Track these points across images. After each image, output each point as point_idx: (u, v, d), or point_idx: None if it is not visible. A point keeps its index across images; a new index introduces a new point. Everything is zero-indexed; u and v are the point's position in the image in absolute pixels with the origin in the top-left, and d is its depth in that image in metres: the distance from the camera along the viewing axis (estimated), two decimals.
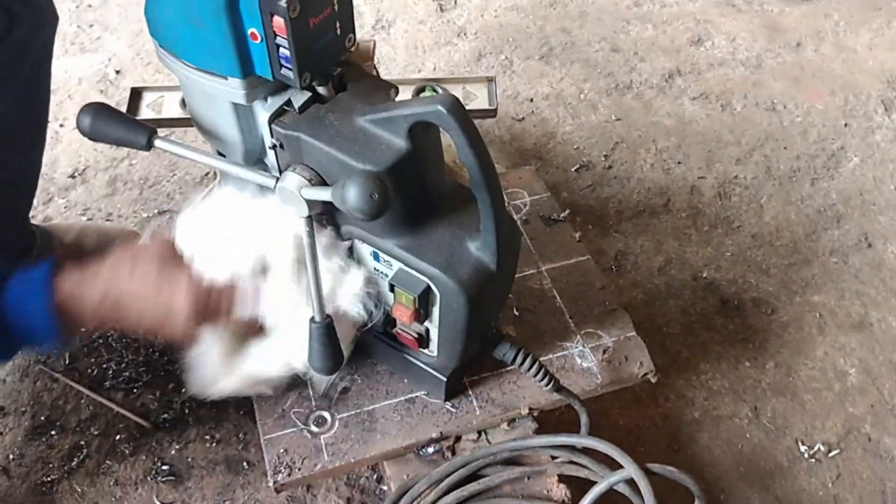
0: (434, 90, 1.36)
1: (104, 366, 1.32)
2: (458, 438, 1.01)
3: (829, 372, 1.34)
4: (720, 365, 1.34)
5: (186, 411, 1.28)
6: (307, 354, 0.87)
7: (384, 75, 1.82)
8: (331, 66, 0.76)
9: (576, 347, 1.06)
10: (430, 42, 1.92)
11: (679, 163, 1.66)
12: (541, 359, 1.04)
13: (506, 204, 0.76)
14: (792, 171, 1.65)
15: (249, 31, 0.68)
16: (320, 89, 0.77)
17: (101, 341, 1.35)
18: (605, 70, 1.86)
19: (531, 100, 1.79)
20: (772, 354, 1.35)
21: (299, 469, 0.95)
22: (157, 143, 0.77)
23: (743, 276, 1.47)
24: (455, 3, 2.02)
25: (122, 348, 1.34)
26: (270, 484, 0.94)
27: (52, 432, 1.26)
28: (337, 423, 0.98)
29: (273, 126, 0.75)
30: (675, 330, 1.39)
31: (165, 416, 1.27)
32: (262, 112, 0.75)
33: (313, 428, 0.98)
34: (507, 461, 0.98)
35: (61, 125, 1.69)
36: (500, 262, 0.79)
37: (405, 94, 1.35)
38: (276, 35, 0.67)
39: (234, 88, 0.73)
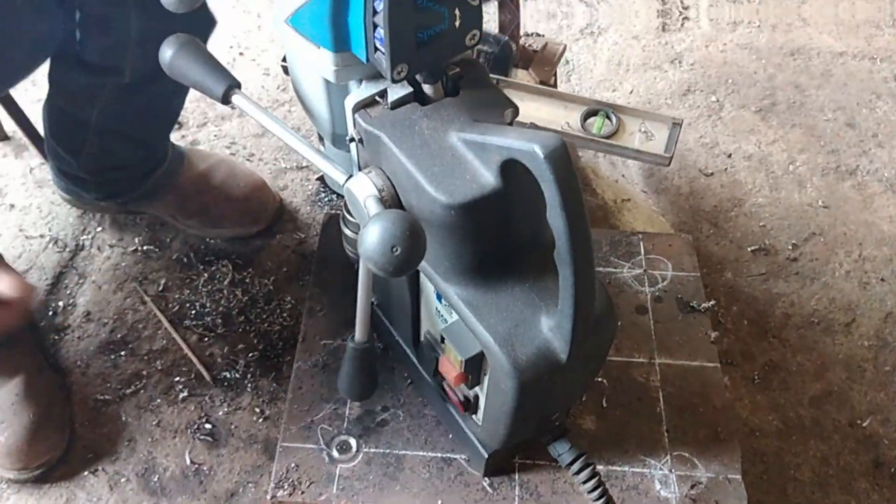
0: (607, 117, 1.18)
1: (188, 304, 1.29)
2: None
3: None
4: None
5: (248, 376, 1.22)
6: (338, 376, 0.76)
7: (568, 87, 1.65)
8: (442, 63, 0.62)
9: (660, 469, 0.86)
10: (638, 62, 1.72)
11: (883, 280, 1.36)
12: (615, 468, 0.86)
13: (595, 286, 0.58)
14: None
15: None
16: (426, 87, 0.63)
17: (195, 278, 1.32)
18: (831, 145, 1.56)
19: (729, 155, 1.54)
20: None
21: (302, 492, 0.84)
22: (235, 98, 0.67)
23: None
24: (682, 24, 1.80)
25: (211, 292, 1.30)
26: (268, 497, 0.84)
27: (122, 353, 1.25)
28: (361, 455, 0.86)
29: (357, 116, 0.63)
30: (805, 477, 1.12)
31: (226, 374, 1.22)
32: (350, 97, 0.63)
33: (334, 452, 0.86)
34: None
35: (241, 53, 1.69)
36: (574, 352, 0.62)
37: (576, 113, 1.18)
38: (374, 11, 0.54)
39: (325, 62, 0.62)
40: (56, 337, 1.27)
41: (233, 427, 1.17)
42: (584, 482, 0.74)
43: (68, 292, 1.33)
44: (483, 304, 0.64)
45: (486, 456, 0.79)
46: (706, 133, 1.57)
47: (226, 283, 1.31)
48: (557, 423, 0.75)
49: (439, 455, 0.86)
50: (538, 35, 1.36)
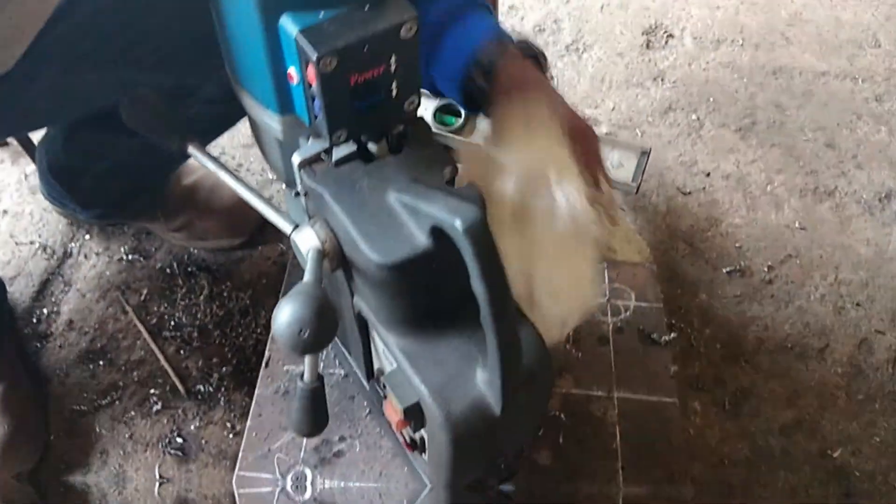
0: None
1: (167, 315, 1.31)
2: None
3: None
4: None
5: (222, 390, 1.24)
6: (288, 412, 0.78)
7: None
8: (380, 127, 0.63)
9: None
10: (621, 79, 1.72)
11: (858, 305, 1.36)
12: None
13: (519, 347, 0.60)
14: None
15: (288, 70, 0.57)
16: (371, 145, 0.64)
17: (175, 289, 1.34)
18: (810, 166, 1.56)
19: (708, 174, 1.54)
20: None
21: None
22: (191, 149, 0.68)
23: (886, 474, 1.17)
24: (666, 42, 1.79)
25: (189, 306, 1.32)
26: None
27: (101, 362, 1.27)
28: (315, 490, 0.88)
29: (301, 172, 0.64)
30: None
31: (200, 387, 1.24)
32: (296, 154, 0.64)
33: (288, 485, 0.88)
34: None
35: None
36: (508, 406, 0.63)
37: None
38: (309, 84, 0.55)
39: (274, 122, 0.63)
40: (38, 345, 1.29)
41: (203, 442, 1.19)
42: None
43: (53, 300, 1.35)
44: (420, 355, 0.65)
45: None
46: (685, 151, 1.57)
47: (203, 296, 1.32)
48: (503, 465, 0.76)
49: (392, 487, 0.88)
50: None
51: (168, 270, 1.37)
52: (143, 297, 1.34)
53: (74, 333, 1.30)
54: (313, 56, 0.52)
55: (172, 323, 1.30)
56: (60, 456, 1.18)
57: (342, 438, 0.91)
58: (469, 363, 0.65)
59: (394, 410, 0.70)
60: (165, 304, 1.32)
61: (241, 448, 0.91)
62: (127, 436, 1.19)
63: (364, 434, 0.92)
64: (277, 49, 0.56)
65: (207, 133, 1.17)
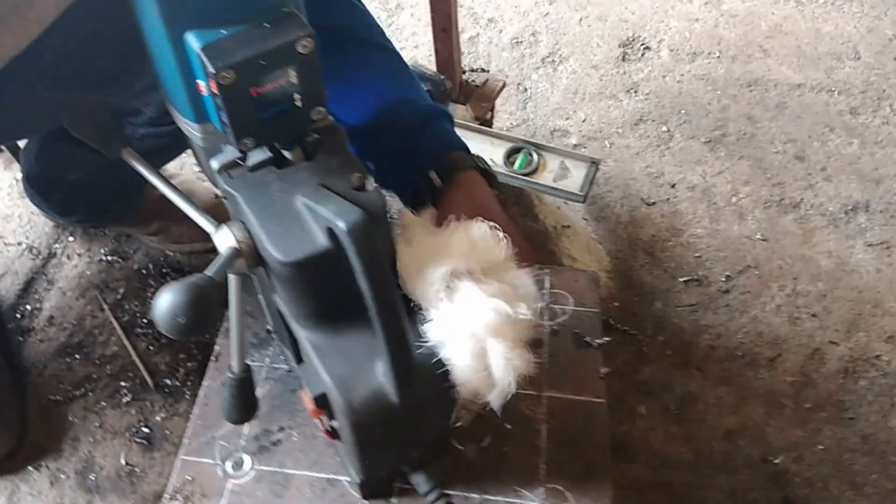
0: (530, 154, 1.23)
1: (141, 313, 1.37)
2: None
3: None
4: None
5: (188, 384, 1.30)
6: (222, 402, 0.83)
7: (523, 114, 1.70)
8: (289, 136, 0.68)
9: (532, 501, 0.91)
10: (594, 91, 1.76)
11: (814, 315, 1.38)
12: (489, 497, 0.91)
13: (408, 339, 0.64)
14: None
15: (198, 82, 0.62)
16: (286, 153, 0.69)
17: (150, 288, 1.40)
18: (777, 178, 1.59)
19: (673, 185, 1.58)
20: None
21: None
22: (125, 155, 0.74)
23: (826, 481, 1.19)
24: (643, 55, 1.83)
25: None
26: None
27: (77, 356, 1.33)
28: (252, 473, 0.93)
29: (219, 176, 0.69)
30: None
31: (168, 381, 1.30)
32: (214, 159, 0.69)
33: (228, 468, 0.93)
34: None
35: None
36: (405, 396, 0.67)
37: (500, 150, 1.24)
38: (214, 95, 0.61)
39: (194, 131, 0.69)
40: (21, 339, 1.36)
41: (168, 432, 1.25)
42: None
43: (36, 297, 1.42)
44: (327, 348, 0.70)
45: (359, 480, 0.85)
46: (653, 163, 1.61)
47: None
48: (416, 455, 0.80)
49: (325, 476, 0.93)
50: (482, 70, 1.42)
51: (144, 271, 1.43)
52: (119, 296, 1.40)
53: (54, 329, 1.37)
54: (212, 70, 0.58)
55: (145, 320, 1.36)
56: (35, 442, 1.24)
57: (281, 429, 0.96)
58: (371, 356, 0.69)
59: (308, 399, 0.75)
60: (139, 303, 1.39)
61: (186, 435, 0.96)
62: (97, 425, 1.26)
63: (302, 425, 0.97)
64: (187, 63, 0.62)
65: (162, 153, 1.23)
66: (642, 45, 1.85)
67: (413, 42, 1.88)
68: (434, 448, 0.88)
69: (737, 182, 1.58)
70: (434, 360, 0.69)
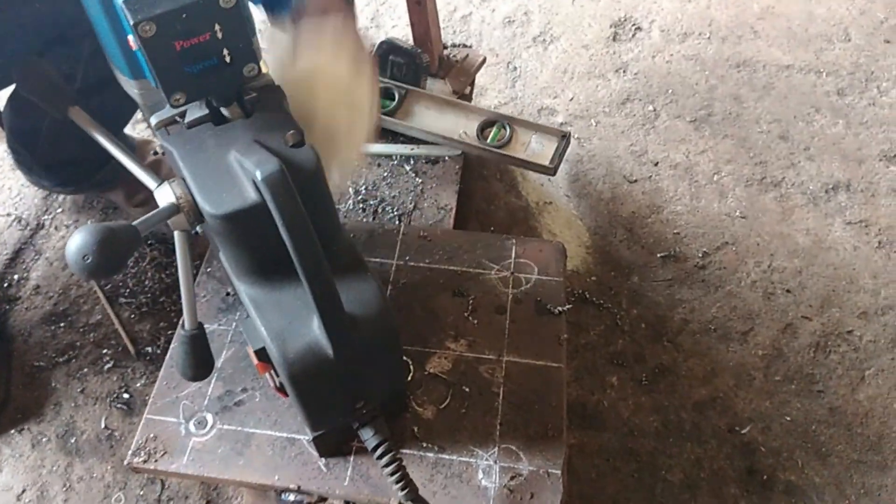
0: (503, 127, 1.24)
1: (124, 283, 1.40)
2: (323, 499, 0.93)
3: None
4: None
5: (168, 352, 1.32)
6: (175, 359, 0.85)
7: (512, 93, 1.71)
8: (223, 92, 0.70)
9: (486, 460, 0.93)
10: (583, 70, 1.76)
11: (788, 291, 1.39)
12: (444, 456, 0.93)
13: (333, 290, 0.66)
14: None
15: (128, 37, 0.64)
16: (224, 110, 0.71)
17: (134, 258, 1.43)
18: (760, 157, 1.59)
19: (656, 163, 1.58)
20: None
21: (156, 461, 0.93)
22: (71, 113, 0.76)
23: (792, 451, 1.20)
24: (633, 35, 1.83)
25: (144, 271, 1.41)
26: (125, 460, 0.94)
27: (62, 324, 1.36)
28: (214, 431, 0.95)
29: (157, 133, 0.71)
30: (676, 478, 1.18)
31: (149, 349, 1.33)
32: (154, 116, 0.72)
33: (191, 427, 0.96)
34: None
35: None
36: (340, 349, 0.69)
37: (474, 123, 1.25)
38: (140, 48, 0.62)
39: (131, 88, 0.71)
40: (7, 307, 1.40)
41: (147, 399, 1.27)
42: (385, 466, 0.82)
43: (24, 266, 1.45)
44: (265, 303, 0.72)
45: (311, 437, 0.88)
46: (637, 141, 1.61)
47: (155, 265, 1.41)
48: (365, 410, 0.82)
49: (285, 435, 0.95)
50: (464, 46, 1.43)
51: None
52: None
53: (40, 297, 1.40)
54: (132, 21, 0.59)
55: (127, 291, 1.39)
56: (18, 406, 1.28)
57: (244, 389, 0.99)
58: (308, 311, 0.71)
59: (252, 354, 0.77)
60: (123, 274, 1.42)
61: (152, 395, 0.99)
62: (79, 390, 1.29)
63: (265, 387, 0.99)
64: (116, 18, 0.63)
65: (118, 118, 1.26)
66: (634, 25, 1.85)
67: (406, 20, 1.88)
68: (391, 407, 0.89)
69: (720, 160, 1.59)
70: (374, 315, 0.71)
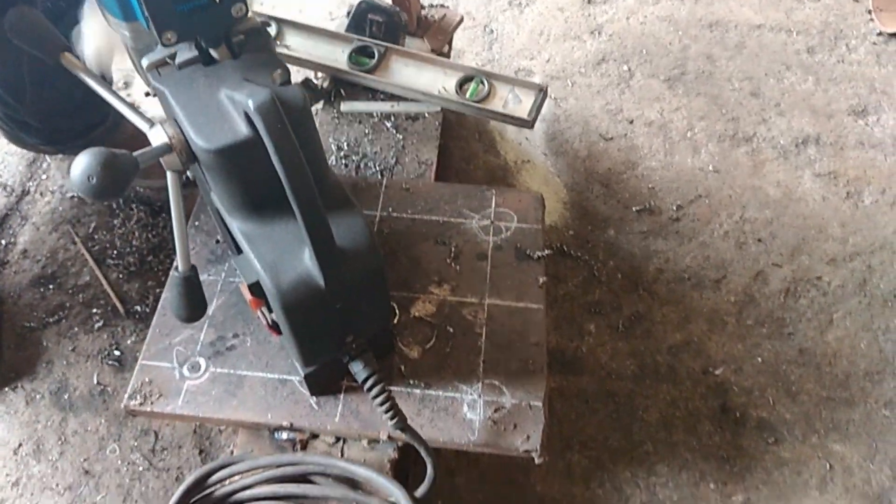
0: (481, 82, 1.27)
1: (111, 244, 1.42)
2: (315, 436, 0.97)
3: None
4: (680, 474, 1.17)
5: (157, 310, 1.35)
6: (169, 300, 0.88)
7: (489, 55, 1.74)
8: (212, 32, 0.72)
9: (470, 395, 0.97)
10: (559, 33, 1.79)
11: (760, 240, 1.44)
12: (430, 392, 0.97)
13: (324, 220, 0.69)
14: (893, 296, 1.37)
15: None
16: (212, 51, 0.74)
17: (120, 223, 1.45)
18: (732, 113, 1.63)
19: (631, 121, 1.62)
20: (746, 487, 1.16)
21: (152, 403, 0.96)
22: (63, 59, 0.78)
23: (763, 390, 1.26)
24: None
25: (131, 231, 1.43)
26: (122, 403, 0.97)
27: (50, 286, 1.38)
28: (207, 374, 0.99)
29: (148, 74, 0.74)
30: (652, 418, 1.23)
31: (138, 308, 1.35)
32: (145, 58, 0.74)
33: (185, 371, 0.99)
34: (342, 479, 0.93)
35: None
36: (330, 280, 0.73)
37: (452, 79, 1.27)
38: None
39: (122, 30, 0.73)
40: None
41: (138, 354, 1.29)
42: (375, 397, 0.86)
43: (11, 232, 1.47)
44: (258, 237, 0.75)
45: (302, 375, 0.91)
46: (612, 100, 1.65)
47: (141, 226, 1.43)
48: (354, 345, 0.86)
49: (276, 377, 0.98)
50: (442, 6, 1.45)
51: (115, 206, 1.48)
52: (90, 230, 1.45)
53: (28, 261, 1.42)
54: None
55: (115, 252, 1.41)
56: (10, 366, 1.30)
57: (235, 335, 1.02)
58: (300, 244, 0.74)
59: (245, 290, 0.81)
60: (109, 235, 1.44)
61: (146, 342, 1.02)
62: (70, 349, 1.31)
63: (255, 332, 1.02)
64: None
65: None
66: None
67: None
68: (379, 346, 0.93)
69: (693, 117, 1.63)
70: (362, 248, 0.75)
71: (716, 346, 1.30)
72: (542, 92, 1.24)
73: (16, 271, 1.41)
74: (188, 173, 0.85)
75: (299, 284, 0.73)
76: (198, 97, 0.71)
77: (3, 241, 1.45)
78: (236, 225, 0.76)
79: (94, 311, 1.35)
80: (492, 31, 1.79)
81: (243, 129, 0.68)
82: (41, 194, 1.52)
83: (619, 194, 1.50)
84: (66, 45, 0.79)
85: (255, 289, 0.78)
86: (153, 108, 1.56)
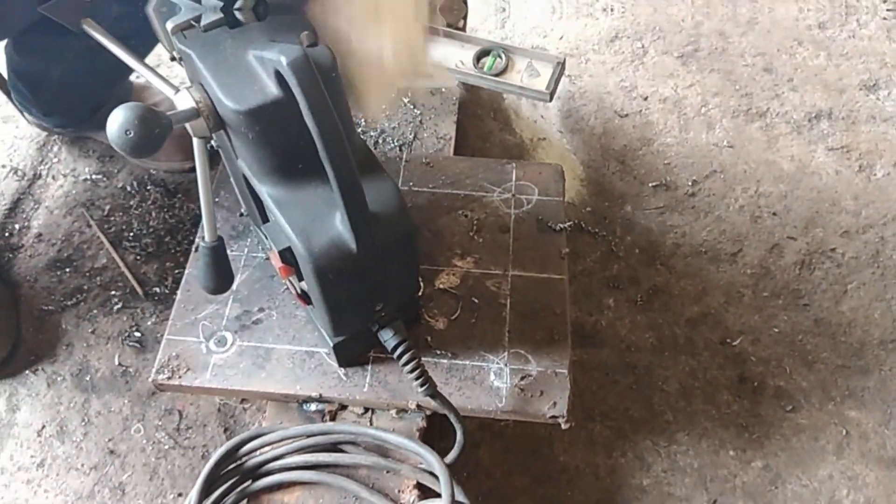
0: (499, 56, 1.27)
1: (127, 226, 1.42)
2: (343, 407, 0.98)
3: (822, 498, 1.13)
4: (700, 443, 1.18)
5: (176, 291, 1.34)
6: (196, 272, 0.88)
7: (503, 33, 1.73)
8: None
9: (497, 363, 0.97)
10: (571, 10, 1.79)
11: (774, 214, 1.44)
12: (457, 361, 0.98)
13: (357, 181, 0.69)
14: None
15: None
16: (237, 13, 0.74)
17: (135, 205, 1.45)
18: (745, 89, 1.63)
19: (646, 98, 1.62)
20: (765, 454, 1.17)
21: (180, 377, 0.97)
22: (85, 26, 0.78)
23: (780, 359, 1.26)
24: None
25: (147, 213, 1.43)
26: (150, 378, 0.97)
27: (67, 269, 1.38)
28: (234, 348, 0.99)
29: (174, 37, 0.74)
30: (672, 388, 1.23)
31: (157, 289, 1.35)
32: (171, 21, 0.74)
33: (212, 345, 0.99)
34: (372, 447, 0.93)
35: None
36: (362, 244, 0.73)
37: (470, 53, 1.27)
38: None
39: None
40: (10, 255, 1.41)
41: (158, 335, 1.30)
42: (405, 364, 0.86)
43: (24, 216, 1.47)
44: (288, 202, 0.75)
45: (332, 345, 0.91)
46: (627, 77, 1.65)
47: (158, 207, 1.44)
48: (384, 313, 0.86)
49: (304, 349, 0.99)
50: None
51: (128, 188, 1.48)
52: (105, 213, 1.45)
53: (43, 245, 1.42)
54: None
55: (131, 234, 1.41)
56: (30, 349, 1.30)
57: (261, 309, 1.02)
58: (330, 207, 0.75)
59: (276, 258, 0.81)
60: (125, 217, 1.44)
61: (171, 317, 1.02)
62: (90, 331, 1.31)
63: (281, 306, 1.02)
64: None
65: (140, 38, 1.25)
66: None
67: None
68: (406, 317, 0.93)
69: (707, 94, 1.63)
70: (392, 212, 0.75)
71: (733, 318, 1.31)
72: (559, 65, 1.24)
73: (31, 255, 1.41)
74: (213, 141, 0.85)
75: (331, 248, 0.74)
76: (225, 59, 0.71)
77: (17, 226, 1.45)
78: (265, 190, 0.76)
79: (113, 293, 1.35)
80: (504, 10, 1.78)
81: (273, 90, 0.68)
82: (53, 178, 1.51)
83: (635, 170, 1.50)
84: (88, 11, 0.79)
85: (286, 255, 0.78)
86: None
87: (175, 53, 0.76)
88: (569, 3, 1.80)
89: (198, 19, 0.73)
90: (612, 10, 1.78)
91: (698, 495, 1.13)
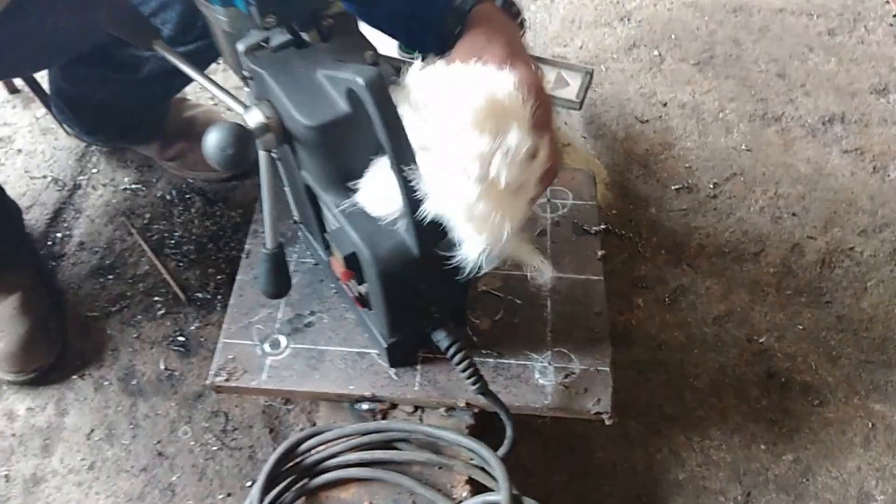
0: None
1: (168, 235, 1.47)
2: (394, 406, 1.02)
3: (851, 489, 1.17)
4: (732, 437, 1.22)
5: (218, 296, 1.39)
6: (258, 277, 0.92)
7: (529, 42, 1.78)
8: (307, 13, 0.77)
9: (541, 362, 1.02)
10: (590, 20, 1.84)
11: (794, 214, 1.49)
12: (503, 361, 1.02)
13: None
14: None
15: None
16: (305, 35, 0.78)
17: (175, 213, 1.49)
18: (760, 94, 1.68)
19: (665, 104, 1.67)
20: (795, 447, 1.21)
21: (237, 379, 1.01)
22: (156, 45, 0.83)
23: (805, 355, 1.30)
24: None
25: (185, 223, 1.47)
26: (208, 381, 1.02)
27: (110, 277, 1.43)
28: (288, 350, 1.03)
29: (245, 57, 0.78)
30: (703, 384, 1.28)
31: (199, 294, 1.39)
32: (241, 42, 0.78)
33: (266, 348, 1.03)
34: (424, 444, 0.98)
35: None
36: (424, 249, 0.77)
37: None
38: None
39: (220, 15, 0.77)
40: (53, 263, 1.45)
41: (202, 339, 1.35)
42: (458, 363, 0.90)
43: (65, 225, 1.51)
44: (353, 211, 0.79)
45: (386, 346, 0.96)
46: (646, 84, 1.69)
47: (199, 215, 1.48)
48: (437, 315, 0.91)
49: (355, 350, 1.03)
50: None
51: (168, 197, 1.52)
52: (146, 221, 1.50)
53: (85, 253, 1.46)
54: None
55: (173, 241, 1.46)
56: (77, 354, 1.35)
57: (312, 313, 1.07)
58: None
59: (337, 263, 0.85)
60: (166, 225, 1.48)
61: (225, 322, 1.06)
62: (135, 336, 1.36)
63: (331, 309, 1.07)
64: None
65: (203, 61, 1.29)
66: None
67: None
68: (454, 317, 0.98)
69: (723, 99, 1.67)
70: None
71: (758, 316, 1.35)
72: (588, 75, 1.28)
73: (74, 263, 1.46)
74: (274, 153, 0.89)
75: (396, 252, 0.78)
76: (296, 78, 0.75)
77: (59, 235, 1.49)
78: (331, 200, 0.81)
79: (156, 299, 1.39)
80: (525, 20, 1.83)
81: (343, 106, 0.73)
82: (93, 188, 1.56)
83: (658, 174, 1.54)
84: (158, 32, 0.83)
85: (350, 260, 0.82)
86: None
87: (245, 72, 0.80)
88: (587, 13, 1.84)
89: (266, 41, 0.78)
90: (628, 19, 1.83)
91: (732, 488, 1.17)
